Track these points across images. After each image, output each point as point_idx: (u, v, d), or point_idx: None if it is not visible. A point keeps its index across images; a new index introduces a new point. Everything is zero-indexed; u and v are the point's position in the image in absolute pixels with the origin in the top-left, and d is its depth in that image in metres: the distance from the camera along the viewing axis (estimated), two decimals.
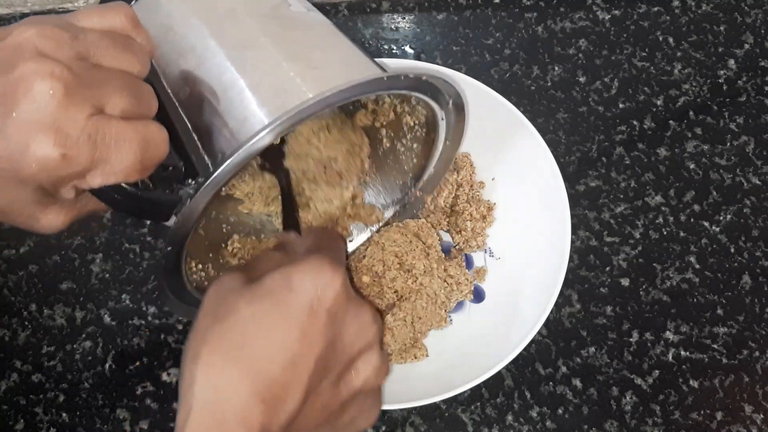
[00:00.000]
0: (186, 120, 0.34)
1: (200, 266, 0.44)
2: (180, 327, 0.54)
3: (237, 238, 0.47)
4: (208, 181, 0.32)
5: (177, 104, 0.34)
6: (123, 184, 0.30)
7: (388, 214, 0.53)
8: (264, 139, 0.31)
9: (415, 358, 0.50)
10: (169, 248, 0.36)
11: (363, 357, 0.31)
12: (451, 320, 0.53)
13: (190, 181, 0.33)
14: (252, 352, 0.28)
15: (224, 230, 0.47)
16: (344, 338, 0.30)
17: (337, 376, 0.30)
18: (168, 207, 0.33)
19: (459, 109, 0.44)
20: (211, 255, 0.45)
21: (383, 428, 0.51)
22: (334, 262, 0.31)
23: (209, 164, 0.33)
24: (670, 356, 0.54)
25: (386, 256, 0.50)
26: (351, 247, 0.53)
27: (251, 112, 0.33)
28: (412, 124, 0.47)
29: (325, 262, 0.30)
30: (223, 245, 0.47)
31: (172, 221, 0.33)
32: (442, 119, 0.45)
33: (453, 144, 0.48)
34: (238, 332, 0.29)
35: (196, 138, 0.33)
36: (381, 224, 0.53)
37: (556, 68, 0.64)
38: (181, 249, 0.38)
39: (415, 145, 0.49)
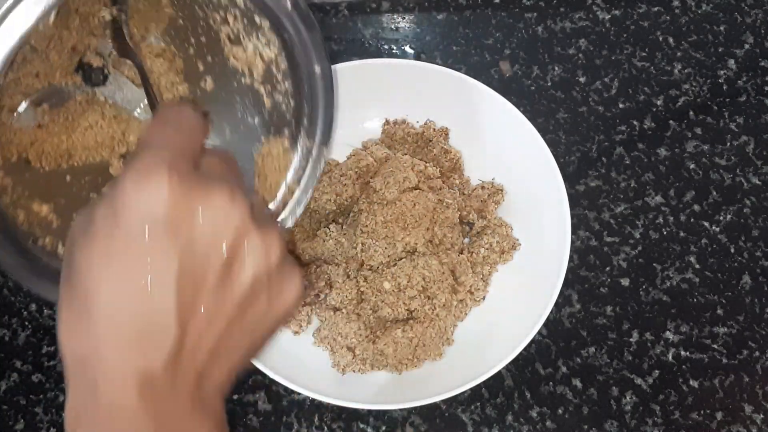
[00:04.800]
0: None
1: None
2: None
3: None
4: None
5: None
6: None
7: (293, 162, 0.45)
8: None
9: (415, 366, 0.50)
10: None
11: (239, 244, 0.27)
12: None
13: None
14: (100, 303, 0.25)
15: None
16: (202, 239, 0.26)
17: (217, 279, 0.27)
18: None
19: (305, 17, 0.38)
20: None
21: (383, 428, 0.51)
22: (162, 159, 0.26)
23: None
24: (670, 356, 0.54)
25: (414, 274, 0.49)
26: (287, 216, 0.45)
27: None
28: (272, 55, 0.41)
29: (151, 164, 0.26)
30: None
31: None
32: (289, 33, 0.39)
33: (323, 69, 0.41)
34: (81, 287, 0.26)
35: None
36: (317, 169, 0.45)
37: (556, 68, 0.64)
38: None
39: (286, 84, 0.43)
